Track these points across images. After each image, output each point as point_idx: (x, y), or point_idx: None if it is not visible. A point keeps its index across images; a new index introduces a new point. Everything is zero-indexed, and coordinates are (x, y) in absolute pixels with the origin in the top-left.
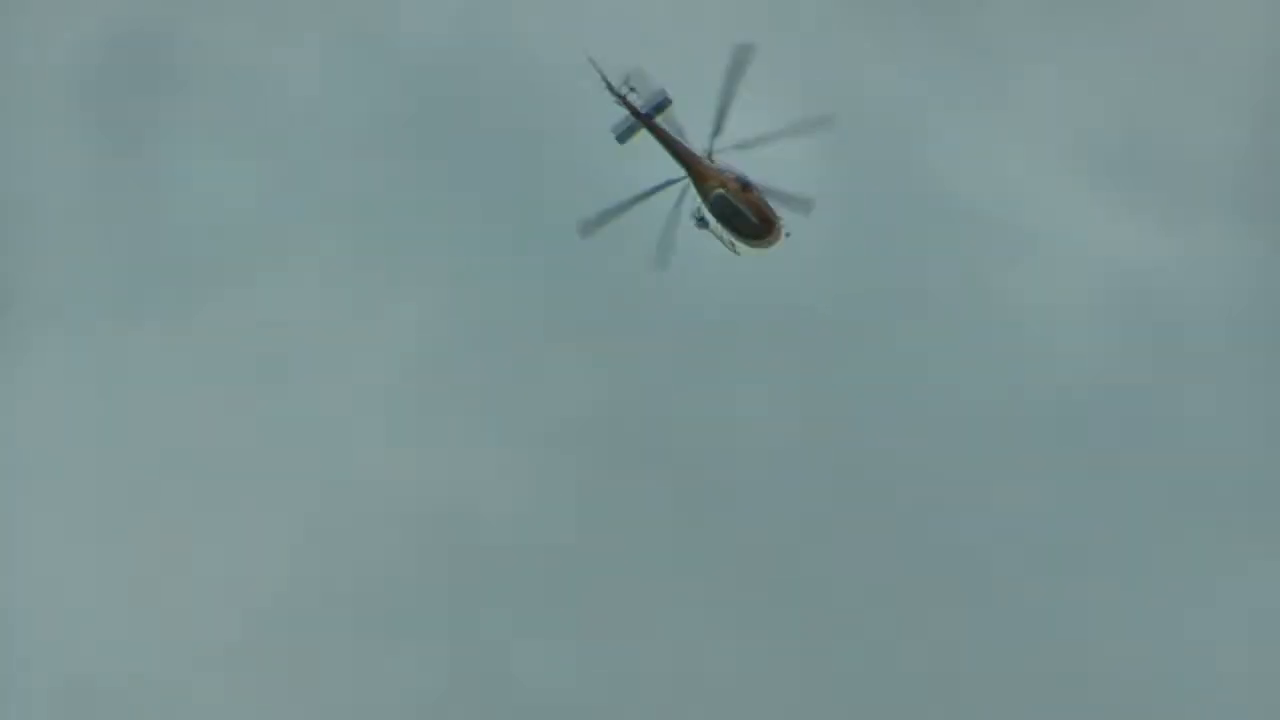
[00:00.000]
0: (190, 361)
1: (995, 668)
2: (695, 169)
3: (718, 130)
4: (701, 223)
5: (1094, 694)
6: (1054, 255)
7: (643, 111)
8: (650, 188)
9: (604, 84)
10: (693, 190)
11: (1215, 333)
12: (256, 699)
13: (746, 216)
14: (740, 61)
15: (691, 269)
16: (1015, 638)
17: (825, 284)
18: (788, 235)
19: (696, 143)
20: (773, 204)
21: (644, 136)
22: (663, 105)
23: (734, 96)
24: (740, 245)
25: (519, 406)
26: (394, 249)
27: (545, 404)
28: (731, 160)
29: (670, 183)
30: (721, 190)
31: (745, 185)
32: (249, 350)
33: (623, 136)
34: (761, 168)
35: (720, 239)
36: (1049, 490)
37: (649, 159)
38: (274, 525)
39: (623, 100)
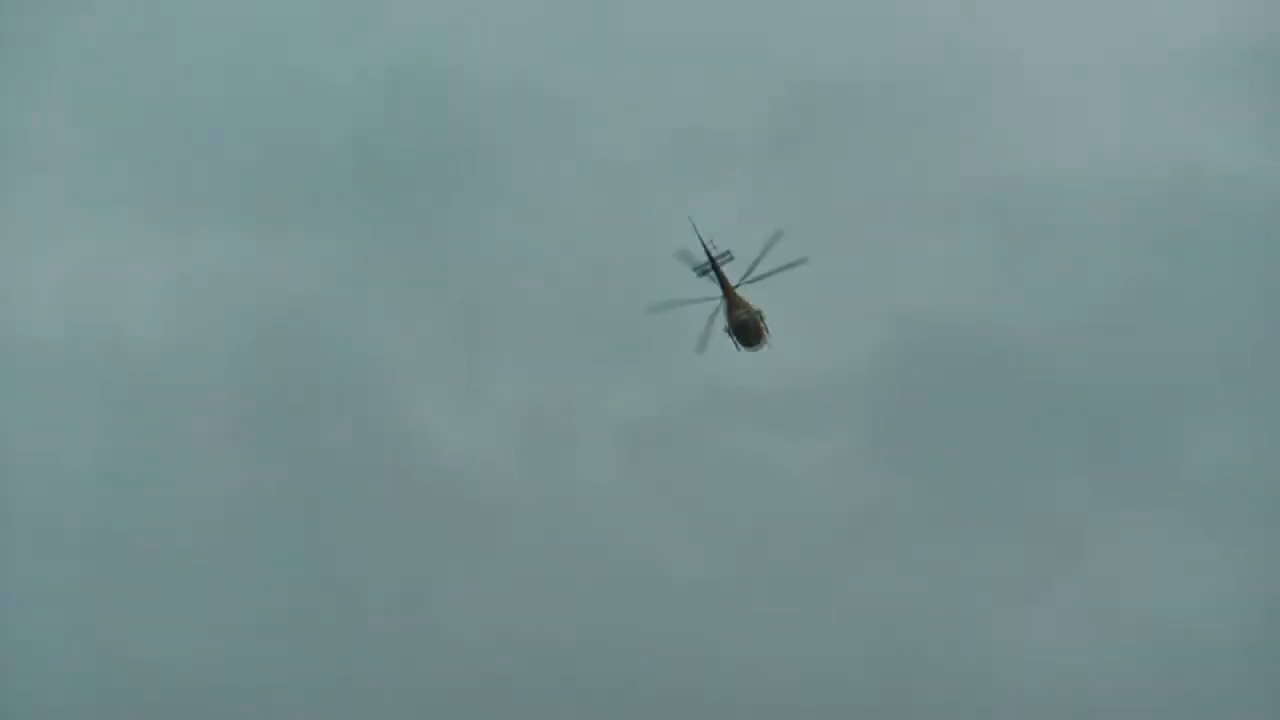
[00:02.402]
0: None
1: None
2: (731, 298)
3: (746, 277)
4: (728, 330)
5: None
6: None
7: (716, 257)
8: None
9: (699, 238)
10: (723, 309)
11: None
12: None
13: (755, 333)
14: (772, 240)
15: None
16: None
17: None
18: (769, 347)
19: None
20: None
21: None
22: (727, 257)
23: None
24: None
25: None
26: None
27: None
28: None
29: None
30: (747, 315)
31: (761, 316)
32: None
33: (699, 271)
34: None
35: (733, 341)
36: None
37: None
38: None
39: (708, 250)
